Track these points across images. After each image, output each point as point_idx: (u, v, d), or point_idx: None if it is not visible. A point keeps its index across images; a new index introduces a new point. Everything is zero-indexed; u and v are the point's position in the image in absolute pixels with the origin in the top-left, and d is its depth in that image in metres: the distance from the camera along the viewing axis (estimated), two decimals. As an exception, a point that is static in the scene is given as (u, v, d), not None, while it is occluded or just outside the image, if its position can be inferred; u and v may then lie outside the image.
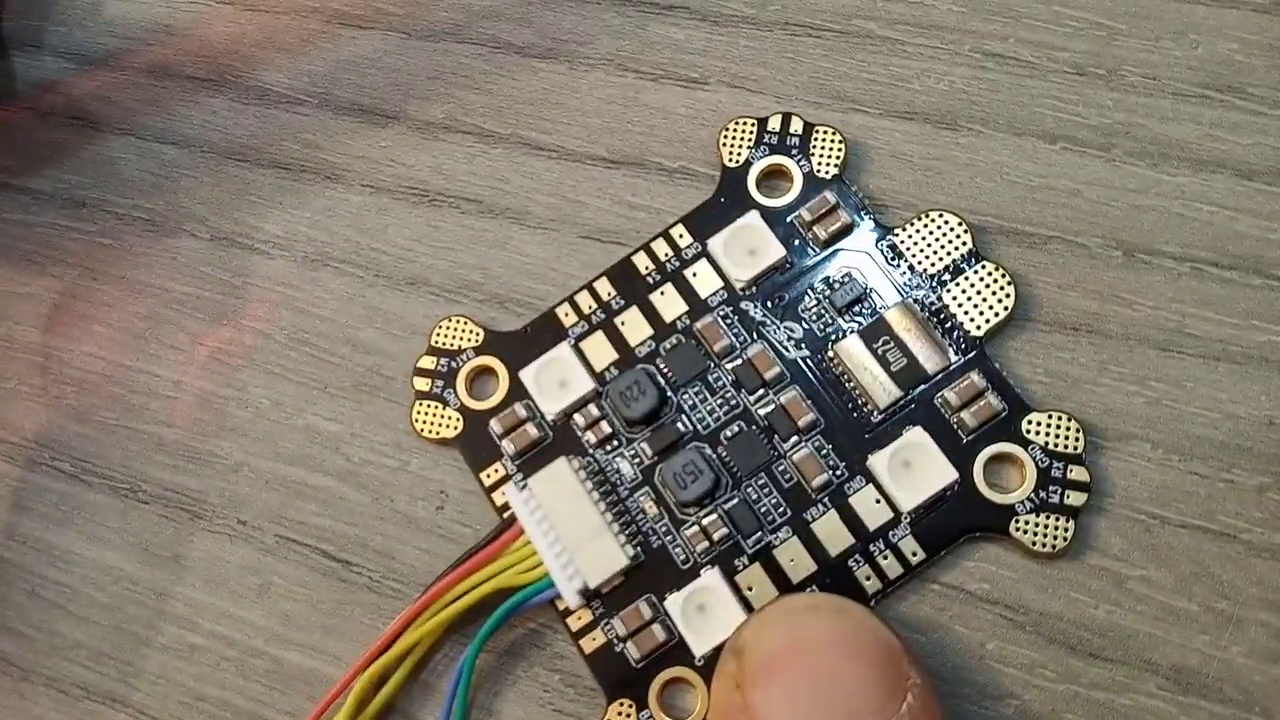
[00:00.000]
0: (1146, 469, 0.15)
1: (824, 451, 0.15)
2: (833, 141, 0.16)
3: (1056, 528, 0.14)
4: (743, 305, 0.16)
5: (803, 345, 0.16)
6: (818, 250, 0.16)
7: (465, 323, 0.16)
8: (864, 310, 0.16)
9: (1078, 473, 0.14)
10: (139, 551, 0.17)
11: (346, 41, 0.19)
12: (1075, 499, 0.14)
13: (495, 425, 0.16)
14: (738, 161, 0.17)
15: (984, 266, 0.15)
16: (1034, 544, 0.14)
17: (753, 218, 0.16)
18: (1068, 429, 0.15)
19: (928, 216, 0.16)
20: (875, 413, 0.15)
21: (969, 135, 0.17)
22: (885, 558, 0.14)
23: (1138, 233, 0.16)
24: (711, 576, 0.14)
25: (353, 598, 0.16)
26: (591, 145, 0.18)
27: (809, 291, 0.16)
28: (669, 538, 0.15)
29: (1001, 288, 0.15)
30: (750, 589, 0.15)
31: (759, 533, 0.15)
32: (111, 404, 0.18)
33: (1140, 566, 0.14)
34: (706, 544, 0.15)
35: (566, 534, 0.14)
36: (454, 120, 0.18)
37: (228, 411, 0.17)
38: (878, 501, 0.15)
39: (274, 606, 0.16)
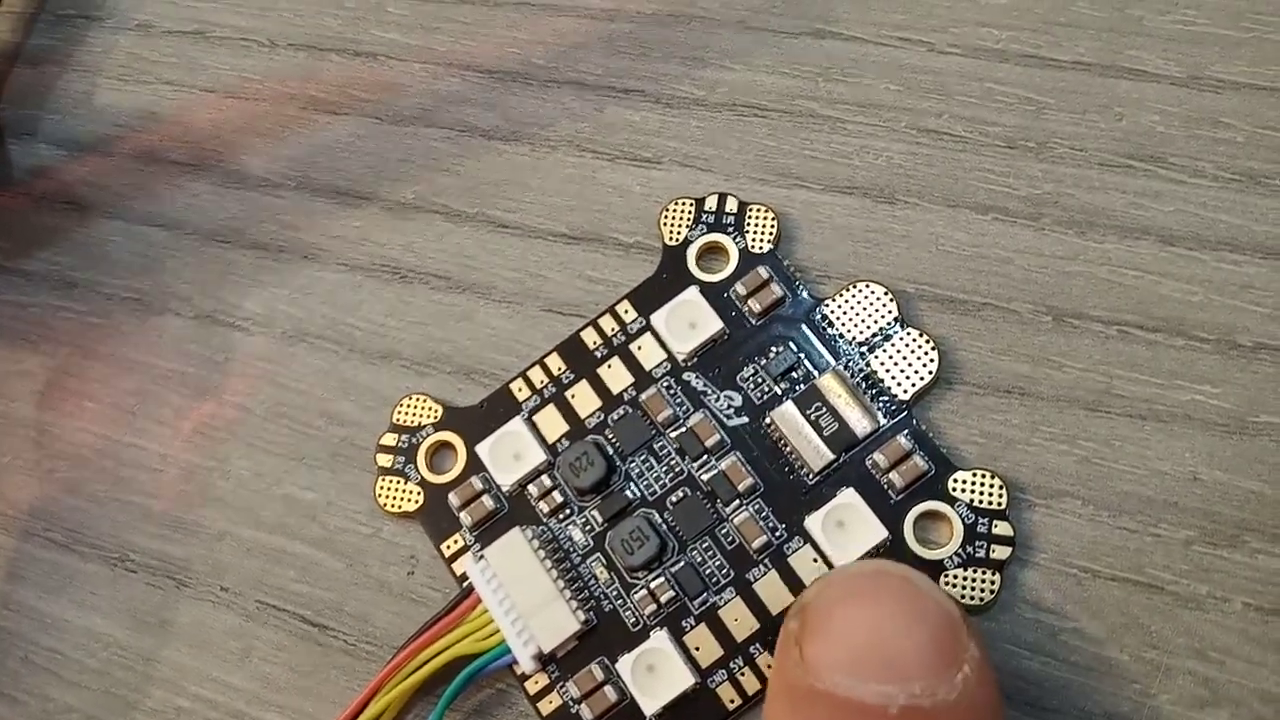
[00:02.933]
0: (1077, 525, 0.16)
1: (763, 514, 0.16)
2: (766, 218, 0.17)
3: (983, 581, 0.15)
4: (685, 376, 0.17)
5: (741, 413, 0.16)
6: (754, 321, 0.17)
7: (424, 400, 0.17)
8: (798, 377, 0.16)
9: (1002, 527, 0.15)
10: (127, 618, 0.18)
11: (321, 127, 0.20)
12: (1000, 553, 0.15)
13: (454, 498, 0.17)
14: (677, 240, 0.18)
15: (910, 333, 0.16)
16: (963, 597, 0.15)
17: (692, 293, 0.17)
18: (992, 486, 0.15)
19: (855, 287, 0.17)
20: (810, 475, 0.16)
21: (905, 208, 0.18)
22: None
23: (1066, 298, 0.17)
24: (660, 638, 0.15)
25: (329, 660, 0.17)
26: (552, 222, 0.19)
27: (747, 361, 0.17)
28: (619, 601, 0.16)
29: (926, 353, 0.16)
30: (698, 648, 0.15)
31: (704, 594, 0.16)
32: (101, 477, 0.18)
33: (1073, 619, 0.15)
34: (654, 607, 0.15)
35: (521, 601, 0.15)
36: (423, 200, 0.19)
37: (210, 483, 0.18)
38: (815, 560, 0.15)
39: (255, 670, 0.17)
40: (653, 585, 0.16)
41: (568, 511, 0.16)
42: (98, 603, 0.18)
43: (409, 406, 0.17)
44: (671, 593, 0.16)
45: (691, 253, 0.17)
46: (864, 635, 0.12)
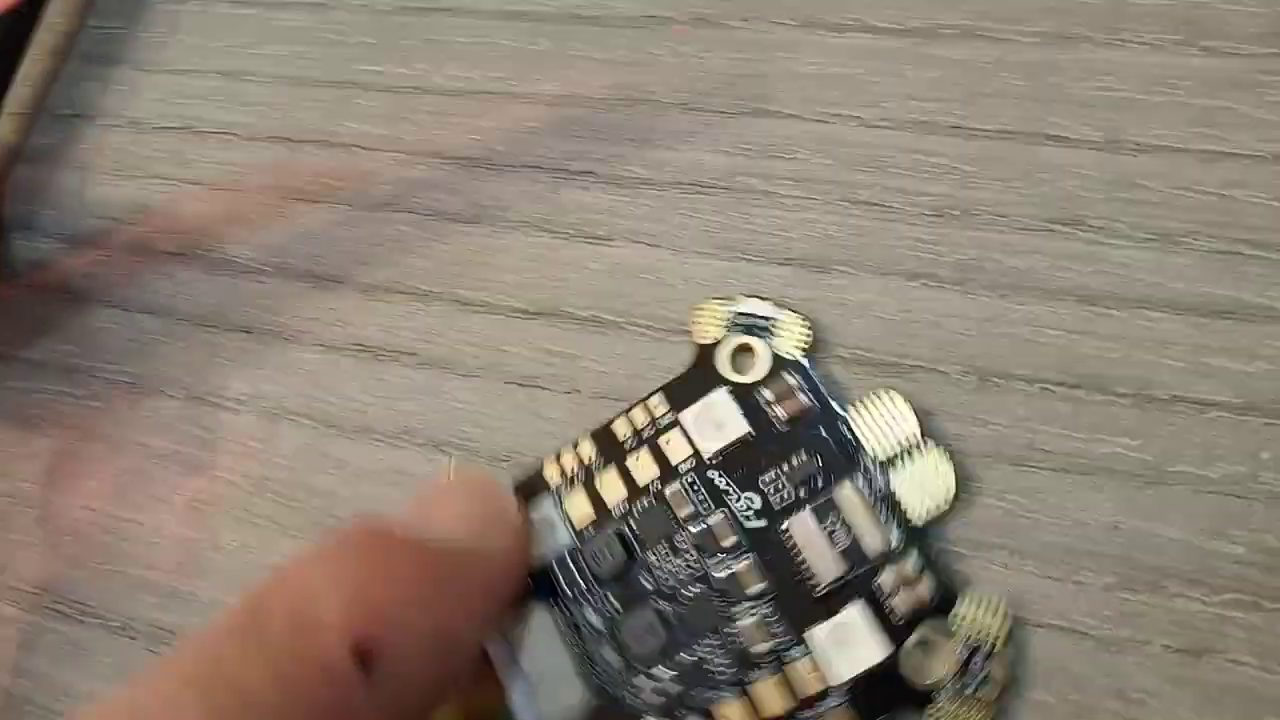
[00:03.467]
0: (1005, 575, 0.17)
1: (771, 619, 0.16)
2: (799, 324, 0.18)
3: (971, 715, 0.16)
4: (709, 474, 0.17)
5: (760, 516, 0.17)
6: (780, 427, 0.18)
7: None
8: (817, 486, 0.17)
9: (998, 666, 0.16)
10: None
11: (299, 215, 0.21)
12: (989, 692, 0.16)
13: None
14: (708, 338, 0.18)
15: (930, 456, 0.17)
16: None
17: (721, 394, 0.18)
18: (993, 624, 0.16)
19: (879, 398, 0.17)
20: (819, 587, 0.16)
21: (840, 277, 0.19)
22: None
23: (991, 359, 0.18)
24: None
25: None
26: (513, 299, 0.20)
27: (770, 465, 0.17)
28: (625, 687, 0.17)
29: (943, 474, 0.17)
30: None
31: (701, 689, 0.16)
32: (103, 551, 0.20)
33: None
34: (661, 699, 0.16)
35: (534, 673, 0.16)
36: (394, 282, 0.21)
37: (202, 554, 0.19)
38: (813, 672, 0.16)
39: (247, 730, 0.18)
40: (655, 673, 0.16)
41: (590, 595, 0.17)
42: (103, 670, 0.19)
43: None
44: (677, 687, 0.16)
45: (723, 353, 0.18)
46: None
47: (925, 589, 0.16)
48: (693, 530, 0.17)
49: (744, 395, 0.18)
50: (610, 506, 0.18)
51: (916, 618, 0.16)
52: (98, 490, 0.20)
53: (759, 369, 0.18)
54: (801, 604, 0.17)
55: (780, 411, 0.18)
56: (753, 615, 0.17)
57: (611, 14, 0.22)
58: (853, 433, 0.17)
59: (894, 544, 0.17)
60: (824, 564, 0.17)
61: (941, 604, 0.16)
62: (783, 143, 0.20)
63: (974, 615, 0.16)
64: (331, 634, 0.13)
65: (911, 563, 0.16)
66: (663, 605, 0.17)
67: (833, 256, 0.19)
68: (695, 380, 0.18)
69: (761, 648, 0.16)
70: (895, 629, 0.16)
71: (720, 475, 0.17)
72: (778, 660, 0.16)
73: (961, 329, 0.18)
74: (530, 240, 0.20)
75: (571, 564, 0.17)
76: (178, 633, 0.19)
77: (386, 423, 0.20)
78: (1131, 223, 0.18)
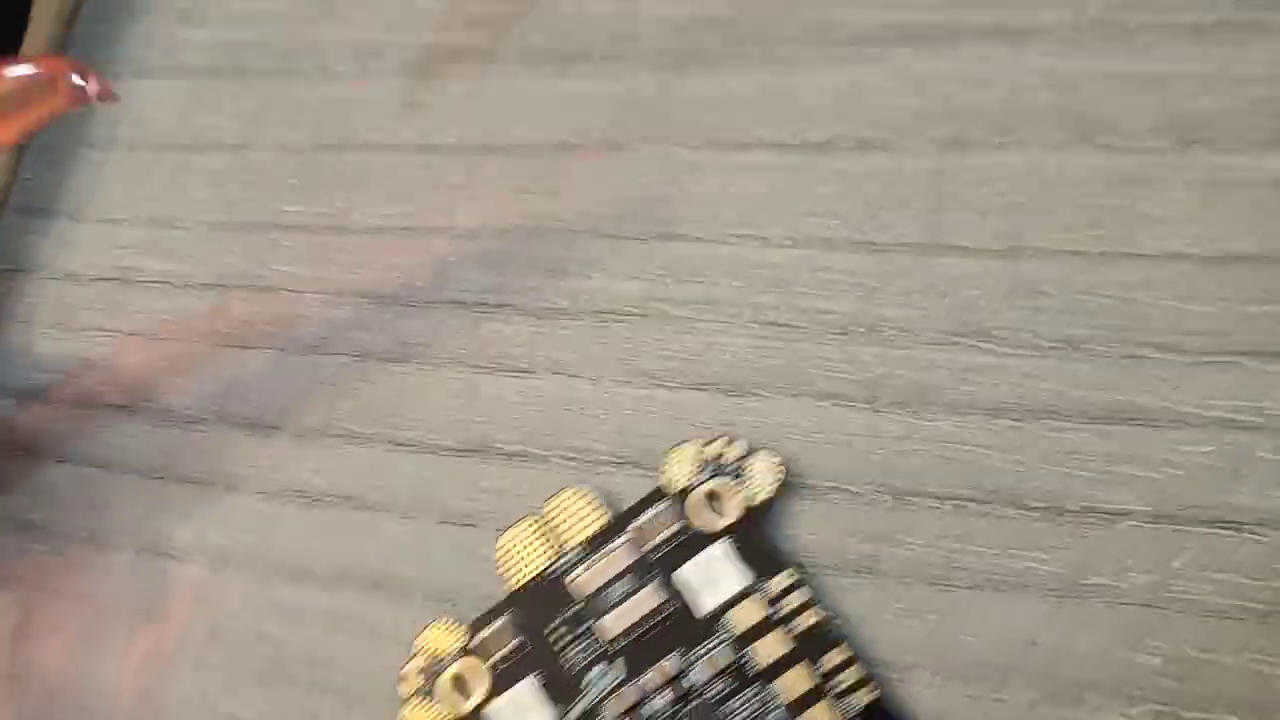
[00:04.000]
0: (928, 695, 0.17)
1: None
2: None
3: None
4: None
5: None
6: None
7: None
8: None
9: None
10: (100, 837, 0.20)
11: (232, 361, 0.22)
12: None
13: None
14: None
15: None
16: None
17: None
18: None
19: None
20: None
21: (754, 400, 0.19)
22: None
23: (903, 477, 0.18)
24: None
25: None
26: (442, 437, 0.20)
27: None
28: None
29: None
30: None
31: None
32: (68, 707, 0.21)
33: (926, 788, 0.17)
34: None
35: None
36: (326, 425, 0.21)
37: (162, 706, 0.20)
38: None
39: None
40: None
41: None
42: (73, 824, 0.20)
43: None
44: None
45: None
46: None
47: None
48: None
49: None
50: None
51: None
52: (60, 645, 0.21)
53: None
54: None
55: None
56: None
57: (519, 143, 0.22)
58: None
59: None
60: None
61: None
62: (692, 266, 0.20)
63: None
64: None
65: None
66: None
67: (746, 379, 0.19)
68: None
69: None
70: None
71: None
72: None
73: (873, 447, 0.18)
74: (455, 376, 0.21)
75: None
76: (141, 784, 0.20)
77: (327, 566, 0.20)
78: (1034, 331, 0.18)
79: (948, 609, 0.17)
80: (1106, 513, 0.17)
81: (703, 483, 0.18)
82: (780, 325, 0.19)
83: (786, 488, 0.18)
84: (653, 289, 0.20)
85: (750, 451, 0.18)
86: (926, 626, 0.17)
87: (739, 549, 0.18)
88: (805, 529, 0.18)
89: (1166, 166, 0.19)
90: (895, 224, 0.19)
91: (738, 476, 0.18)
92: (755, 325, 0.19)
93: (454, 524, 0.20)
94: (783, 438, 0.19)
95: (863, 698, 0.17)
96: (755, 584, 0.18)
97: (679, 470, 0.19)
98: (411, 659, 0.18)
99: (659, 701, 0.18)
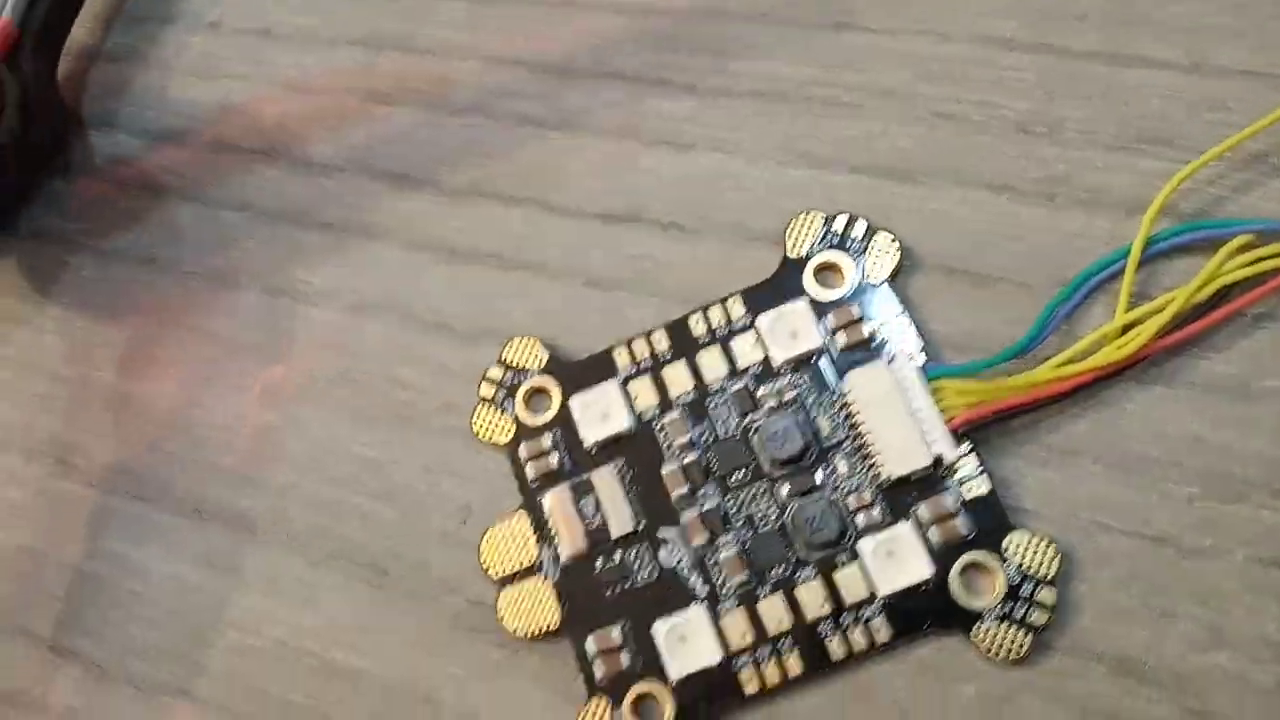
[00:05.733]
0: (1089, 482, 0.17)
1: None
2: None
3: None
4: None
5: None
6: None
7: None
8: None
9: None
10: (203, 564, 0.19)
11: (381, 117, 0.22)
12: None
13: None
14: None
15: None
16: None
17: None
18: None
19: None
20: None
21: (922, 188, 0.19)
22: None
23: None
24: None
25: (389, 603, 0.18)
26: (595, 205, 0.20)
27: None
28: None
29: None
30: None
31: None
32: (178, 436, 0.20)
33: (1085, 568, 0.16)
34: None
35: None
36: (476, 186, 0.21)
37: (280, 441, 0.20)
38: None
39: (322, 611, 0.18)
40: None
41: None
42: (176, 550, 0.19)
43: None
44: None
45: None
46: None
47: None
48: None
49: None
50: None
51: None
52: (175, 378, 0.21)
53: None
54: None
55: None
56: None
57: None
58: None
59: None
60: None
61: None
62: (865, 55, 0.20)
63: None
64: None
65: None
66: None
67: (915, 167, 0.19)
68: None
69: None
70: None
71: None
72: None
73: (1046, 243, 0.18)
74: (612, 147, 0.20)
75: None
76: (252, 517, 0.19)
77: (467, 321, 0.20)
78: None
79: (1115, 402, 0.17)
80: (1281, 319, 0.17)
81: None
82: (955, 118, 0.19)
83: (929, 270, 0.18)
84: (822, 75, 0.20)
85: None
86: (1093, 417, 0.17)
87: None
88: (966, 316, 0.18)
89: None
90: (1080, 33, 0.19)
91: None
92: (928, 116, 0.19)
93: (600, 288, 0.19)
94: (949, 227, 0.18)
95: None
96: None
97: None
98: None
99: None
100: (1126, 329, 0.17)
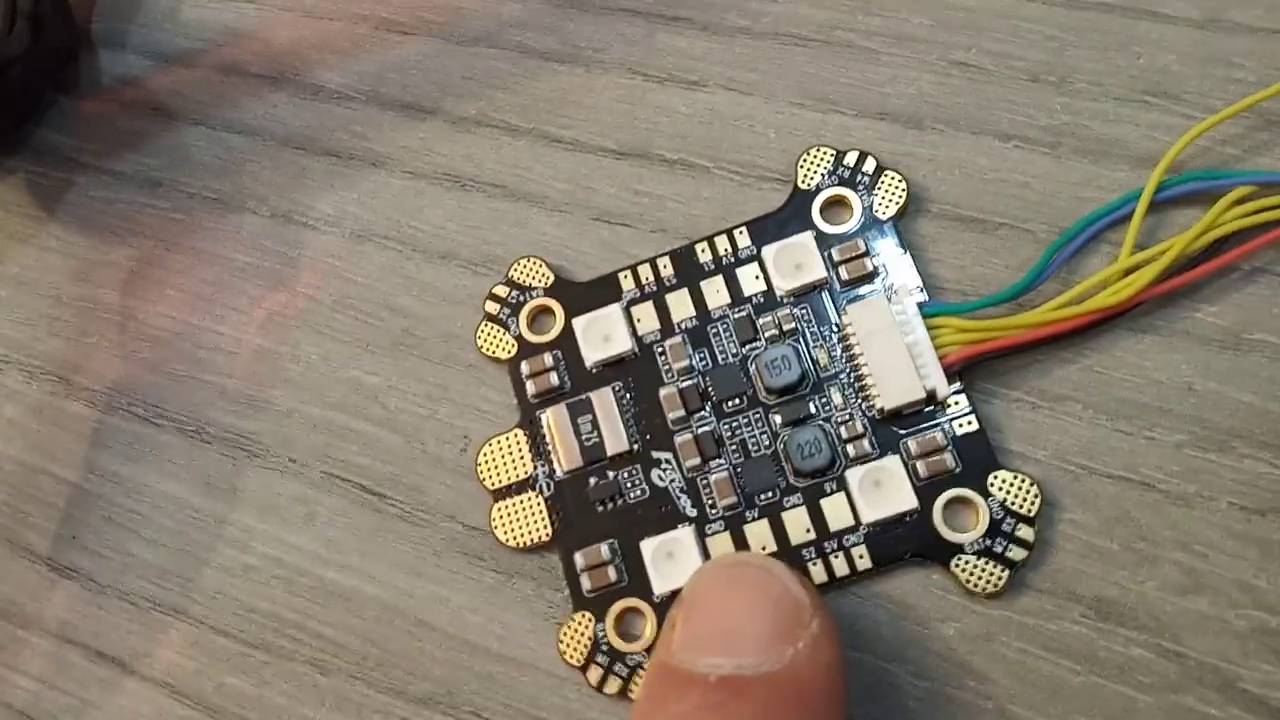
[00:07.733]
0: (1077, 426, 0.17)
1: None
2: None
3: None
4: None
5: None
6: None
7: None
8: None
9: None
10: (201, 484, 0.19)
11: (391, 45, 0.22)
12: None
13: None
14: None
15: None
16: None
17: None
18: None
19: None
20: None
21: (933, 134, 0.19)
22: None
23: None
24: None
25: (387, 526, 0.18)
26: (603, 139, 0.20)
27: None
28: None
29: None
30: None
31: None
32: (180, 357, 0.20)
33: (1068, 510, 0.17)
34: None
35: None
36: (484, 116, 0.21)
37: (281, 365, 0.20)
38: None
39: (318, 533, 0.19)
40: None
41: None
42: (175, 470, 0.19)
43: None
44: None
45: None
46: (715, 617, 0.14)
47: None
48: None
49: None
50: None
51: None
52: (178, 299, 0.21)
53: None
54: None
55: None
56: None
57: None
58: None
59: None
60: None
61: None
62: (882, 1, 0.20)
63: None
64: None
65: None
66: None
67: (927, 114, 0.19)
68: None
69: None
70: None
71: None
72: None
73: (1050, 190, 0.18)
74: (622, 82, 0.20)
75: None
76: (252, 438, 0.19)
77: (471, 250, 0.20)
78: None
79: (1106, 348, 0.17)
80: (1276, 273, 0.17)
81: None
82: (969, 66, 0.19)
83: (935, 215, 0.18)
84: (840, 18, 0.20)
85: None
86: (1084, 363, 0.17)
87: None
88: (974, 261, 0.18)
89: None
90: (1096, -16, 0.19)
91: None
92: (943, 64, 0.19)
93: (606, 222, 0.19)
94: (958, 173, 0.19)
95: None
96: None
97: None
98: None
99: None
100: (1128, 273, 0.17)
